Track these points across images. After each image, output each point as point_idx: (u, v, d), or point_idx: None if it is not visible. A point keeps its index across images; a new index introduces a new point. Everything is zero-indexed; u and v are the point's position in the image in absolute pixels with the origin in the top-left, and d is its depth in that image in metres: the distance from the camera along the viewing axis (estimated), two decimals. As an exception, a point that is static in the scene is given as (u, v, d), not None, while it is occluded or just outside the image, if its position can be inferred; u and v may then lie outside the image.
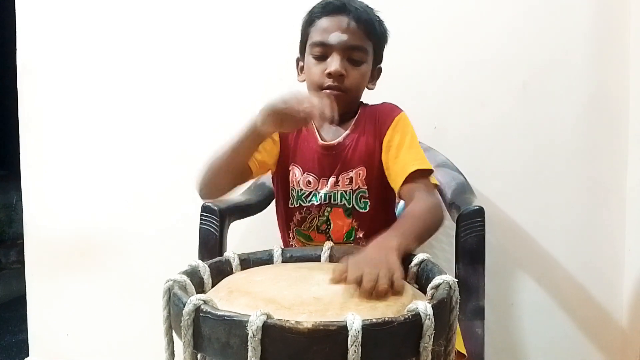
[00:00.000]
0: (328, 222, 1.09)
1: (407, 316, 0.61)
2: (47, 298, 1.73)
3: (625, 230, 1.42)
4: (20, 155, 1.71)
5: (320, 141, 1.11)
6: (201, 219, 1.14)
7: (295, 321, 0.58)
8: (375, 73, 1.15)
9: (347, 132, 1.10)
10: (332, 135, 1.12)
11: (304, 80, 1.13)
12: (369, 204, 1.08)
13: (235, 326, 0.59)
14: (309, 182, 1.10)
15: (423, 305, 0.62)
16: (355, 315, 0.58)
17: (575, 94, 1.41)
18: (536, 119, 1.43)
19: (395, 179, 1.03)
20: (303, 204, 1.10)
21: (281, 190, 1.14)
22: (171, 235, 1.59)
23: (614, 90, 1.39)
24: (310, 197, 1.09)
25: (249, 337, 0.57)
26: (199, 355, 0.67)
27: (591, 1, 1.38)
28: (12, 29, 1.64)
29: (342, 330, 0.57)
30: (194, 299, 0.63)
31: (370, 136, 1.09)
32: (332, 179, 1.08)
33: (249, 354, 0.58)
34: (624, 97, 1.38)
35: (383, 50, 1.14)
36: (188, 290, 0.72)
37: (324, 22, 1.07)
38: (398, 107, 1.13)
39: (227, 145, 1.00)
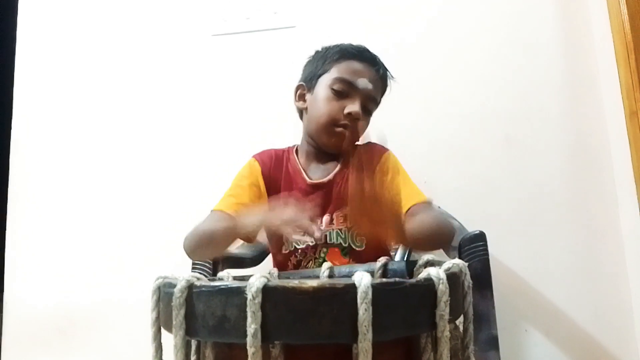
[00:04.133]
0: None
1: (419, 279, 0.57)
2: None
3: (629, 277, 1.38)
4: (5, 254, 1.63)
5: (309, 180, 1.10)
6: (193, 265, 1.09)
7: (299, 281, 0.53)
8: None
9: (338, 168, 1.10)
10: (320, 173, 1.11)
11: (305, 108, 1.14)
12: (364, 241, 1.05)
13: (232, 294, 0.54)
14: None
15: (435, 271, 0.58)
16: (364, 272, 0.54)
17: (556, 144, 1.45)
18: (522, 170, 1.45)
19: None
20: (298, 246, 1.06)
21: (273, 237, 1.09)
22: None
23: (593, 136, 1.43)
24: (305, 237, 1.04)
25: (248, 301, 0.52)
26: (192, 345, 0.60)
27: (562, 52, 1.47)
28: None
29: (350, 288, 0.53)
30: (187, 276, 0.58)
31: (360, 172, 1.08)
32: (326, 217, 1.06)
33: (249, 320, 0.52)
34: (605, 143, 1.42)
35: None
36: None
37: (355, 65, 1.09)
38: (384, 147, 1.13)
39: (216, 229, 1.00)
